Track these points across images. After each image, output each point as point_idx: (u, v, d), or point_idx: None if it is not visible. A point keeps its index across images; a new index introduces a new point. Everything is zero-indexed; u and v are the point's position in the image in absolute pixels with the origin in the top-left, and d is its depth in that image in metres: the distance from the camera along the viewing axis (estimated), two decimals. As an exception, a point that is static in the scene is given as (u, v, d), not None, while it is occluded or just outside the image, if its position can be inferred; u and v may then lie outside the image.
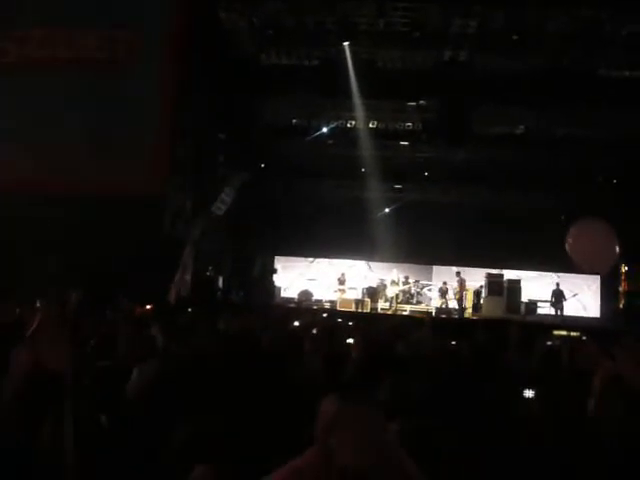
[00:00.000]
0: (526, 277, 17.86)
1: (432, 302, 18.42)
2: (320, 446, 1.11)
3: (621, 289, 17.62)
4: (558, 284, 16.75)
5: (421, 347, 4.78)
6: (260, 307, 13.56)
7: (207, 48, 12.48)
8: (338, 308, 16.33)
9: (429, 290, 19.00)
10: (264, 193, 17.84)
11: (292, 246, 18.88)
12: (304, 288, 18.16)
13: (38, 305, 5.81)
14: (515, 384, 3.70)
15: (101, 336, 4.42)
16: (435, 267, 19.38)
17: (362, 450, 1.13)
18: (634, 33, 12.06)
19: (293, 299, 17.82)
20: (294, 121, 15.96)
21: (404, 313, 16.57)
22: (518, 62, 13.47)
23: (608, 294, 18.21)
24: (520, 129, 15.58)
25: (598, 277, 18.49)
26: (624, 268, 17.46)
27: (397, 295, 17.40)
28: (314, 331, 5.59)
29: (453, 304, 17.13)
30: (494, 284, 16.67)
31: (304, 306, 15.91)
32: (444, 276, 18.18)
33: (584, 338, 6.91)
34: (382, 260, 18.88)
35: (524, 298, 16.78)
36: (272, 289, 18.10)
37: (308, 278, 19.38)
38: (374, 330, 6.16)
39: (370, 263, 19.51)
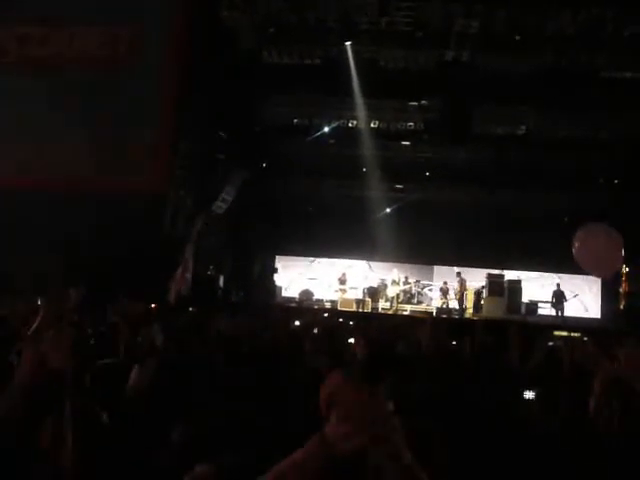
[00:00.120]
0: (527, 278, 17.85)
1: (433, 302, 18.42)
2: (320, 435, 1.10)
3: (622, 290, 17.59)
4: (559, 285, 16.74)
5: (422, 347, 4.77)
6: (260, 306, 13.57)
7: (208, 46, 12.48)
8: (339, 308, 16.33)
9: (430, 290, 18.99)
10: (265, 192, 17.83)
11: (293, 245, 18.87)
12: (305, 288, 18.15)
13: (39, 303, 5.80)
14: (515, 385, 3.69)
15: (101, 335, 4.42)
16: (436, 267, 19.37)
17: (361, 427, 1.12)
18: (636, 34, 12.05)
19: (294, 299, 17.82)
20: (295, 120, 15.95)
21: (405, 313, 16.57)
22: (520, 62, 13.47)
23: (609, 295, 18.19)
24: (522, 129, 15.56)
25: (599, 278, 18.47)
26: (625, 269, 17.44)
27: (398, 295, 17.40)
28: (315, 331, 5.59)
29: (454, 304, 17.13)
30: (495, 284, 16.67)
31: (305, 306, 15.91)
32: (445, 276, 18.17)
33: (585, 339, 6.90)
34: (383, 260, 18.87)
35: (525, 299, 16.78)
36: (273, 288, 18.09)
37: (309, 278, 19.37)
38: (375, 329, 6.16)
39: (371, 263, 19.49)
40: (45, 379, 1.58)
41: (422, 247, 17.91)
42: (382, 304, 17.26)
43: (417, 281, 18.55)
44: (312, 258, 19.67)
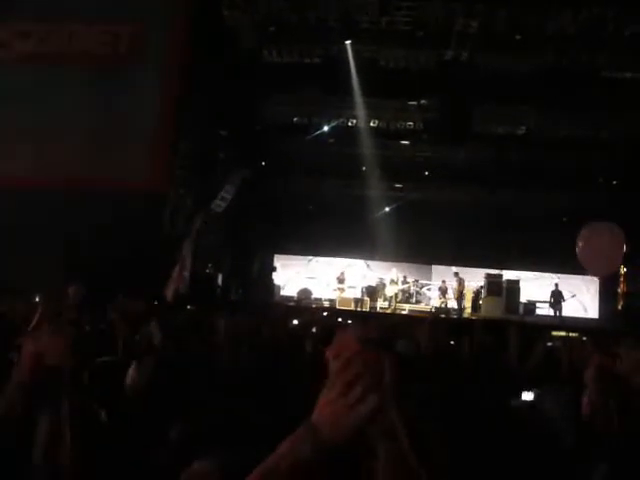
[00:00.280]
0: (525, 278, 17.88)
1: (431, 301, 18.43)
2: (307, 422, 1.07)
3: (620, 290, 17.63)
4: (557, 285, 16.76)
5: (420, 346, 4.77)
6: (259, 305, 13.57)
7: (209, 45, 12.46)
8: (337, 307, 16.33)
9: (428, 289, 19.01)
10: (264, 191, 17.83)
11: (292, 244, 18.88)
12: (303, 286, 18.16)
13: (37, 300, 5.80)
14: (514, 385, 3.69)
15: (100, 333, 4.42)
16: (434, 267, 19.38)
17: (375, 390, 1.08)
18: (637, 34, 12.04)
19: (292, 297, 17.83)
20: (295, 119, 15.94)
21: (403, 312, 16.58)
22: (520, 62, 13.46)
23: (607, 295, 18.21)
24: (521, 129, 15.56)
25: (597, 278, 18.49)
26: (623, 269, 17.46)
27: (396, 294, 17.41)
28: (314, 330, 5.59)
29: (452, 304, 17.15)
30: (493, 284, 16.69)
31: (303, 304, 15.92)
32: (443, 276, 18.19)
33: (584, 339, 6.91)
34: (382, 259, 18.88)
35: (523, 298, 16.80)
36: (272, 287, 18.10)
37: (307, 276, 19.38)
38: (373, 328, 6.15)
39: (369, 262, 19.50)
40: (43, 376, 1.58)
41: (421, 246, 17.93)
42: (380, 303, 17.28)
43: (416, 280, 18.58)
44: (310, 257, 19.67)
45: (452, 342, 5.80)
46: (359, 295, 17.31)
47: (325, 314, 11.27)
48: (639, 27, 11.97)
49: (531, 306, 16.64)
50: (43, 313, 3.62)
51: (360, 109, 14.76)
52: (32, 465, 1.57)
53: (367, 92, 14.03)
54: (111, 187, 11.39)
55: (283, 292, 18.72)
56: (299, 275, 19.49)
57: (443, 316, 16.10)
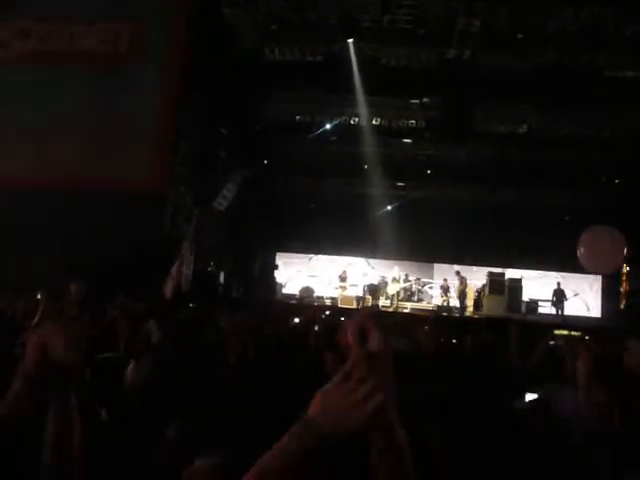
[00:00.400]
0: (527, 276, 17.84)
1: (433, 300, 18.42)
2: (303, 418, 1.08)
3: (622, 289, 17.60)
4: (559, 283, 16.74)
5: (422, 345, 4.77)
6: (261, 303, 13.57)
7: (210, 44, 12.46)
8: (339, 305, 16.33)
9: (430, 288, 18.99)
10: (266, 189, 17.82)
11: (294, 242, 18.89)
12: (305, 285, 18.15)
13: (39, 297, 5.81)
14: (516, 383, 3.69)
15: (101, 333, 4.42)
16: (436, 265, 19.35)
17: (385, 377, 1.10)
18: (638, 33, 12.04)
19: (294, 295, 17.83)
20: (297, 117, 15.94)
21: (405, 311, 16.57)
22: (522, 61, 13.46)
23: (609, 294, 18.18)
24: (523, 128, 15.55)
25: (599, 277, 18.47)
26: (625, 268, 17.43)
27: (398, 292, 17.40)
28: (316, 328, 5.58)
29: (454, 302, 17.14)
30: (495, 283, 16.67)
31: (305, 303, 15.92)
32: (445, 274, 18.16)
33: (586, 337, 6.90)
34: (383, 257, 18.87)
35: (525, 297, 16.78)
36: (273, 285, 18.10)
37: (309, 275, 19.37)
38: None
39: (371, 260, 19.48)
40: (51, 372, 1.58)
41: (423, 245, 17.91)
42: (382, 301, 17.26)
43: (417, 279, 18.56)
44: (311, 255, 19.66)
45: (454, 340, 5.80)
46: (361, 293, 17.30)
47: (327, 312, 11.27)
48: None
49: (533, 305, 16.62)
50: (44, 310, 3.62)
51: (362, 107, 14.75)
52: (40, 463, 1.56)
53: (369, 90, 14.03)
54: (111, 187, 11.39)
55: (285, 290, 18.72)
56: (300, 273, 19.49)
57: (445, 314, 16.11)
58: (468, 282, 17.27)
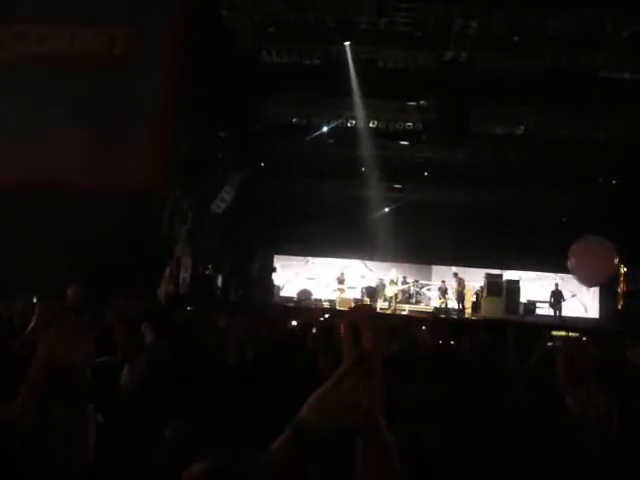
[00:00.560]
0: (525, 278, 17.87)
1: (431, 302, 18.43)
2: (293, 422, 1.09)
3: (620, 290, 17.63)
4: (557, 285, 16.75)
5: (420, 347, 4.77)
6: (259, 306, 13.55)
7: (207, 46, 12.46)
8: (337, 307, 16.32)
9: (428, 290, 19.00)
10: (264, 192, 17.82)
11: (291, 245, 18.88)
12: (303, 287, 18.15)
13: (35, 301, 5.80)
14: (514, 385, 3.69)
15: (99, 335, 4.40)
16: (434, 267, 19.38)
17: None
18: (635, 34, 12.06)
19: (292, 298, 17.82)
20: (294, 120, 15.96)
21: (403, 313, 16.57)
22: (519, 63, 13.48)
23: (607, 295, 18.21)
24: (520, 129, 15.59)
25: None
26: (623, 269, 17.46)
27: (396, 295, 17.40)
28: (313, 330, 5.58)
29: (453, 304, 17.15)
30: (493, 284, 16.69)
31: (303, 305, 15.91)
32: (443, 276, 18.17)
33: (584, 339, 6.90)
34: (381, 260, 18.87)
35: (523, 299, 16.80)
36: (271, 288, 18.09)
37: (307, 277, 19.37)
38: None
39: (369, 262, 19.49)
40: (65, 376, 1.58)
41: (421, 247, 17.92)
42: (380, 304, 17.26)
43: (415, 281, 18.57)
44: (309, 258, 19.66)
45: (452, 342, 5.80)
46: (359, 296, 17.30)
47: (326, 315, 11.27)
48: (637, 28, 11.99)
49: (531, 306, 16.64)
50: (40, 314, 3.61)
51: (359, 110, 14.76)
52: (54, 464, 1.57)
53: (366, 93, 14.04)
54: (109, 188, 11.39)
55: (283, 293, 18.71)
56: (298, 276, 19.48)
57: (443, 316, 16.11)
58: (466, 284, 17.28)
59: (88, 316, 5.25)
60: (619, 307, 17.48)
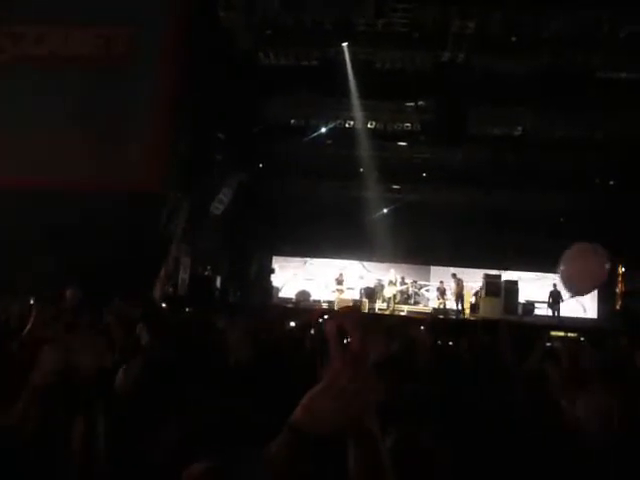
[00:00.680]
0: (524, 278, 17.87)
1: (430, 302, 18.43)
2: (288, 423, 1.08)
3: (618, 290, 17.65)
4: (555, 285, 16.74)
5: (419, 348, 4.76)
6: (258, 307, 13.55)
7: (205, 47, 12.46)
8: (336, 308, 16.31)
9: (427, 291, 19.01)
10: (262, 193, 17.83)
11: (289, 246, 18.88)
12: (302, 288, 18.14)
13: (32, 303, 5.79)
14: (512, 385, 3.69)
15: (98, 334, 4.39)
16: (433, 268, 19.38)
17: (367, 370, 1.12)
18: (631, 34, 12.08)
19: (291, 299, 17.81)
20: (292, 121, 15.97)
21: (402, 313, 16.57)
22: (516, 64, 13.51)
23: (605, 295, 18.22)
24: (518, 130, 15.61)
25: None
26: (621, 269, 17.49)
27: (395, 295, 17.40)
28: (312, 331, 5.58)
29: (451, 304, 17.14)
30: (492, 285, 16.68)
31: (302, 306, 15.90)
32: (442, 277, 18.18)
33: (582, 339, 6.91)
34: (380, 260, 18.87)
35: (521, 299, 16.80)
36: (270, 289, 18.08)
37: (306, 278, 19.36)
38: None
39: (367, 263, 19.49)
40: (78, 379, 1.58)
41: (419, 248, 17.92)
42: (379, 304, 17.27)
43: (414, 281, 18.58)
44: (307, 259, 19.66)
45: (451, 343, 5.80)
46: (358, 296, 17.30)
47: (325, 316, 11.26)
48: (634, 28, 12.01)
49: (530, 306, 16.63)
50: (37, 316, 3.60)
51: (357, 111, 14.77)
52: (55, 467, 1.56)
53: (364, 94, 14.05)
54: (109, 188, 11.39)
55: (281, 294, 18.70)
56: (297, 277, 19.48)
57: (441, 317, 16.12)
58: (464, 284, 17.28)
59: (88, 317, 5.25)
60: (617, 307, 17.50)
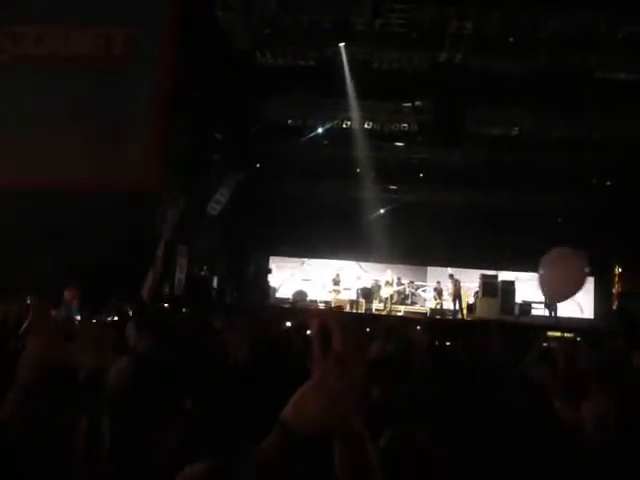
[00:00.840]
0: (521, 278, 17.88)
1: (427, 303, 18.44)
2: (277, 422, 1.09)
3: (615, 291, 17.69)
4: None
5: (415, 348, 4.77)
6: (255, 307, 13.55)
7: (203, 47, 12.46)
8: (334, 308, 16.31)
9: (424, 291, 19.01)
10: (259, 193, 17.82)
11: (287, 246, 18.86)
12: (299, 288, 18.13)
13: (29, 302, 5.78)
14: (508, 385, 3.70)
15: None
16: (430, 268, 19.37)
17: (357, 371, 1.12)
18: (629, 35, 12.10)
19: (288, 299, 17.80)
20: (290, 121, 15.96)
21: (399, 314, 16.58)
22: (514, 64, 13.52)
23: (602, 296, 18.26)
24: (515, 131, 15.62)
25: (592, 279, 18.53)
26: (618, 270, 17.53)
27: (391, 296, 17.40)
28: (308, 332, 5.58)
29: (448, 305, 17.15)
30: (488, 285, 16.69)
31: (299, 306, 15.90)
32: (439, 277, 18.18)
33: (578, 339, 6.93)
34: (376, 261, 18.88)
35: (518, 299, 16.80)
36: (267, 289, 18.07)
37: (303, 278, 19.36)
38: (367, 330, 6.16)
39: (364, 264, 19.49)
40: (82, 378, 1.59)
41: (416, 248, 17.92)
42: (376, 305, 17.27)
43: (411, 282, 18.58)
44: (305, 259, 19.66)
45: (448, 343, 5.81)
46: (354, 297, 17.30)
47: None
48: (632, 28, 12.03)
49: (526, 307, 16.63)
50: (35, 316, 3.60)
51: (354, 111, 14.78)
52: (50, 465, 1.57)
53: (361, 94, 14.06)
54: (108, 188, 11.39)
55: (278, 294, 18.69)
56: (294, 277, 19.47)
57: (438, 317, 16.13)
58: (462, 285, 17.28)
59: (87, 316, 5.26)
60: (614, 308, 17.53)
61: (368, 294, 17.23)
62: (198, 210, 14.71)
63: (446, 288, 17.36)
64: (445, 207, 17.85)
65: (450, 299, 17.08)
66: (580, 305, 18.44)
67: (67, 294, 7.53)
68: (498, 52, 13.01)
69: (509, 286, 16.70)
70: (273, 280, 18.66)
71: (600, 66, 13.42)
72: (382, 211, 18.70)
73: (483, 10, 11.95)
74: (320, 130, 15.69)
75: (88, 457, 1.58)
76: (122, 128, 11.80)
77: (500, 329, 4.90)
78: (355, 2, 12.02)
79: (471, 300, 17.40)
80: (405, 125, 15.57)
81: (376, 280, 18.00)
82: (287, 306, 16.40)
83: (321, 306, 17.23)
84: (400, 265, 18.60)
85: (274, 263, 19.13)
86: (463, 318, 16.38)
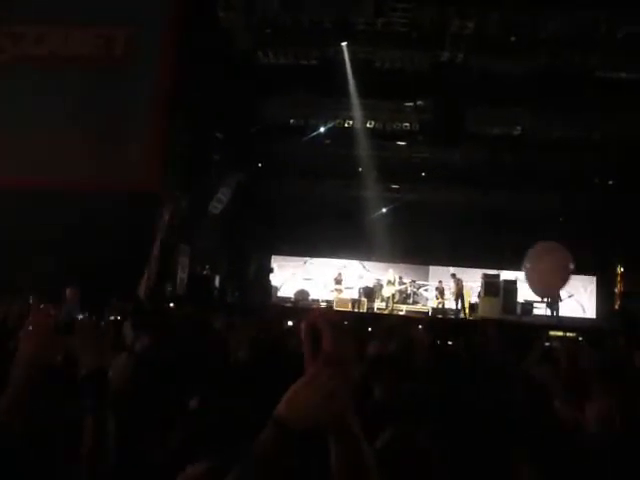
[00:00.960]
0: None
1: (428, 302, 18.43)
2: (271, 418, 1.09)
3: (617, 290, 17.67)
4: (554, 285, 16.74)
5: (417, 347, 4.77)
6: (257, 307, 13.55)
7: (204, 47, 12.46)
8: (335, 308, 16.32)
9: (425, 290, 19.01)
10: (260, 192, 17.82)
11: (288, 246, 18.88)
12: (301, 288, 18.13)
13: (31, 302, 5.80)
14: (510, 384, 3.69)
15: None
16: (431, 267, 19.38)
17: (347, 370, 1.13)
18: (630, 35, 12.09)
19: (290, 299, 17.80)
20: (291, 121, 15.95)
21: (400, 313, 16.57)
22: (514, 64, 13.51)
23: (604, 295, 18.25)
24: (517, 130, 15.61)
25: (594, 278, 18.55)
26: (620, 269, 17.51)
27: (393, 295, 17.39)
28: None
29: (450, 304, 17.14)
30: (490, 285, 16.67)
31: (301, 306, 15.91)
32: (440, 276, 18.18)
33: (580, 339, 6.92)
34: (378, 260, 18.88)
35: (520, 299, 16.78)
36: (269, 289, 18.07)
37: (304, 278, 19.36)
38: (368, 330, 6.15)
39: (365, 263, 19.50)
40: (85, 377, 1.59)
41: (417, 247, 17.93)
42: (378, 304, 17.26)
43: (412, 281, 18.57)
44: (306, 258, 19.66)
45: (450, 342, 5.81)
46: (356, 296, 17.30)
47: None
48: (632, 28, 12.01)
49: (528, 306, 16.61)
50: (35, 315, 3.60)
51: (356, 110, 14.77)
52: (49, 464, 1.57)
53: (363, 93, 14.05)
54: (108, 188, 11.39)
55: (280, 293, 18.70)
56: (295, 276, 19.48)
57: (440, 317, 16.12)
58: (465, 284, 17.27)
59: (87, 316, 5.26)
60: (616, 308, 17.52)
61: (370, 293, 17.23)
62: (199, 209, 14.71)
63: (448, 287, 17.35)
64: (446, 206, 17.85)
65: (452, 298, 17.07)
66: (582, 305, 18.44)
67: (69, 293, 7.54)
68: (499, 52, 13.00)
69: (511, 285, 16.68)
70: (275, 279, 18.66)
71: (600, 66, 13.40)
72: (384, 210, 18.70)
73: (484, 10, 11.94)
74: (322, 129, 15.68)
75: (93, 456, 1.57)
76: (122, 128, 11.79)
77: (498, 328, 4.88)
78: (357, 1, 12.01)
79: (475, 300, 17.38)
80: (406, 124, 15.56)
81: (378, 279, 18.00)
82: (289, 305, 16.40)
83: (323, 305, 17.24)
84: (402, 264, 18.61)
85: (276, 262, 19.14)
86: (465, 317, 16.35)
